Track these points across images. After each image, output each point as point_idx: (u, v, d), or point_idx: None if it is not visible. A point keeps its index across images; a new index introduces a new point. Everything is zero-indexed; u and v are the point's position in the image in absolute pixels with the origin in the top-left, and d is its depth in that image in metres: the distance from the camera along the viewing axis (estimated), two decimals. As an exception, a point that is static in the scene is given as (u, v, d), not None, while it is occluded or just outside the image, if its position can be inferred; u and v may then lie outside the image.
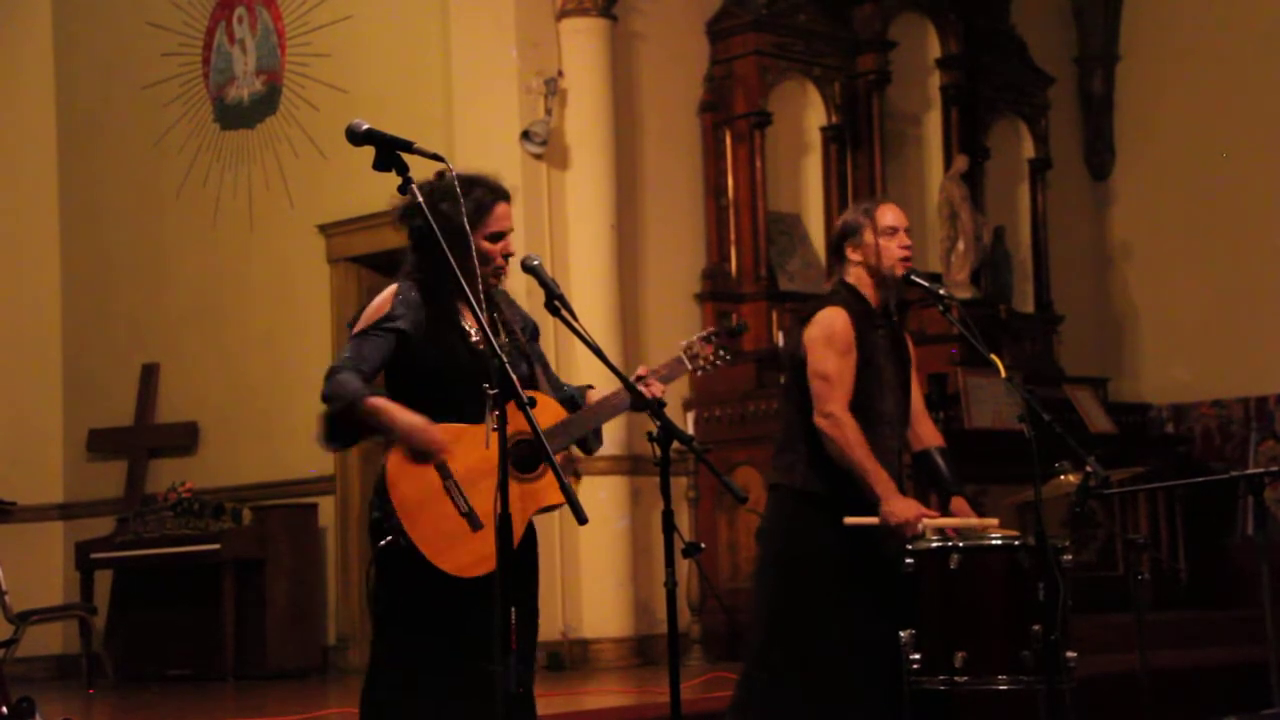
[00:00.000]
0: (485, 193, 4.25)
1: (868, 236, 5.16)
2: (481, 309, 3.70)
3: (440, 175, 4.10)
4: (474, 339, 4.20)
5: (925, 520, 5.00)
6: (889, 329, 5.24)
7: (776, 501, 5.21)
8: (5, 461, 11.08)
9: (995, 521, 5.16)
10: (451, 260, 3.71)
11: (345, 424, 4.11)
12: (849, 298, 5.17)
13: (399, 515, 4.07)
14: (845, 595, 5.03)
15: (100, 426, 11.28)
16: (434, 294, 4.20)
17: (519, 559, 4.15)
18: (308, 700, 8.00)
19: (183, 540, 9.86)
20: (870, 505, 5.02)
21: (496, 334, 4.27)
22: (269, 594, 9.72)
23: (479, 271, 4.08)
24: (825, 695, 4.99)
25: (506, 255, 4.28)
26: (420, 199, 3.74)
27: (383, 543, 4.08)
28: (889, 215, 5.20)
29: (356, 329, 4.19)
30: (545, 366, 4.42)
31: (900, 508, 4.97)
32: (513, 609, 3.55)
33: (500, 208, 4.27)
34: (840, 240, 5.25)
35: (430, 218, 3.76)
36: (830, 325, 5.08)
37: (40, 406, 11.50)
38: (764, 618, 5.18)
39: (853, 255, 5.19)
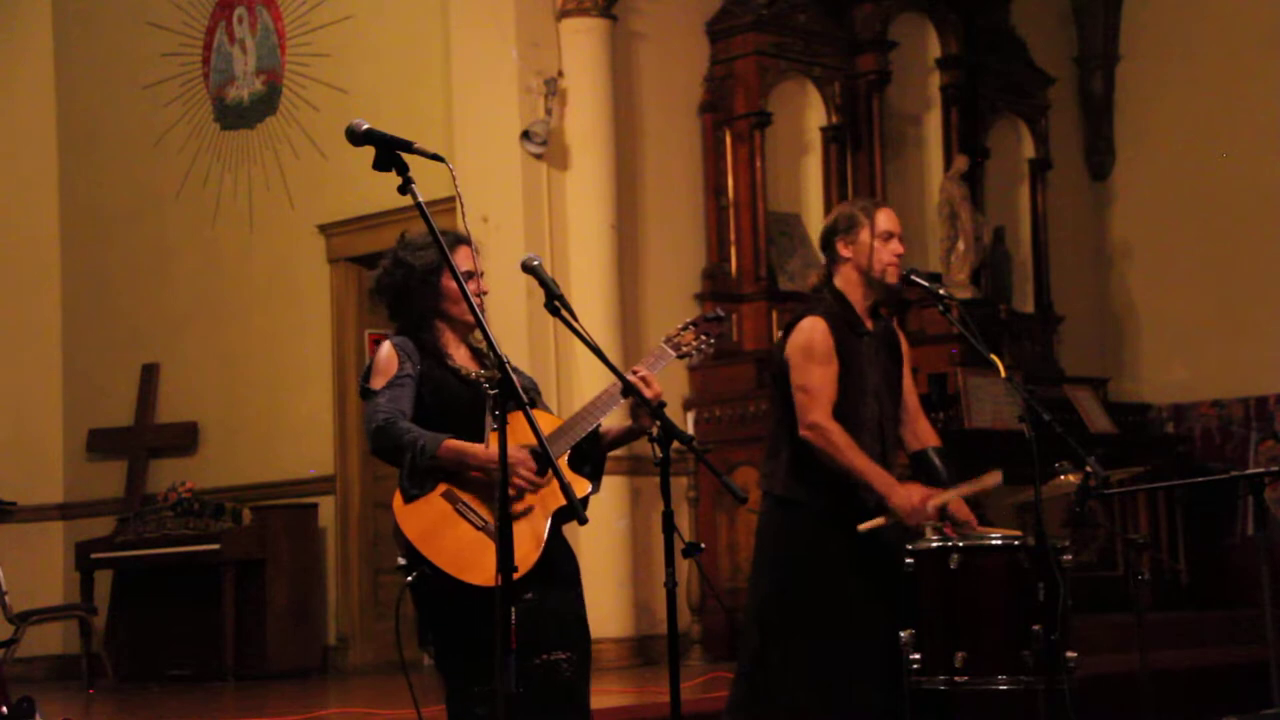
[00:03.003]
0: (449, 238, 4.31)
1: (864, 236, 5.14)
2: (483, 311, 3.73)
3: (402, 235, 4.39)
4: (464, 372, 4.33)
5: (931, 501, 4.98)
6: (878, 330, 5.21)
7: (765, 507, 5.21)
8: (5, 461, 11.07)
9: (998, 476, 5.08)
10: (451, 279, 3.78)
11: (423, 470, 4.19)
12: (831, 303, 5.13)
13: (418, 547, 4.13)
14: (838, 596, 5.02)
15: (100, 426, 11.28)
16: (422, 340, 4.36)
17: (548, 562, 4.20)
18: (308, 700, 8.00)
19: (183, 540, 9.86)
20: (864, 507, 5.01)
21: (486, 368, 4.35)
22: (269, 594, 9.72)
23: (453, 312, 4.36)
24: (824, 695, 4.99)
25: (480, 294, 4.35)
26: (420, 200, 3.74)
27: (409, 578, 4.14)
28: (886, 219, 5.17)
29: (379, 385, 4.30)
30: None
31: (903, 498, 4.96)
32: (513, 610, 3.56)
33: (462, 250, 4.37)
34: (833, 234, 5.20)
35: (430, 224, 3.77)
36: (809, 336, 5.05)
37: (40, 406, 11.51)
38: (758, 620, 5.17)
39: (844, 251, 5.16)
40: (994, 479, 5.06)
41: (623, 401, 4.30)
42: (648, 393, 4.25)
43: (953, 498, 5.08)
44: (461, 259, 4.35)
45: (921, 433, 5.31)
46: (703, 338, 4.51)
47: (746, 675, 5.17)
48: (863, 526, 4.97)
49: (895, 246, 5.15)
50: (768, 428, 5.30)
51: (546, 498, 4.21)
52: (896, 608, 4.99)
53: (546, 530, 4.22)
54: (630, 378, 4.27)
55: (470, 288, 4.32)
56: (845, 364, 5.07)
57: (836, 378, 5.04)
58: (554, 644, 4.20)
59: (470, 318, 4.34)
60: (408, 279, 4.33)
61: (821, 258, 5.34)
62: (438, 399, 4.28)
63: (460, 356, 4.38)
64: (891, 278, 5.15)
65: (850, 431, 5.03)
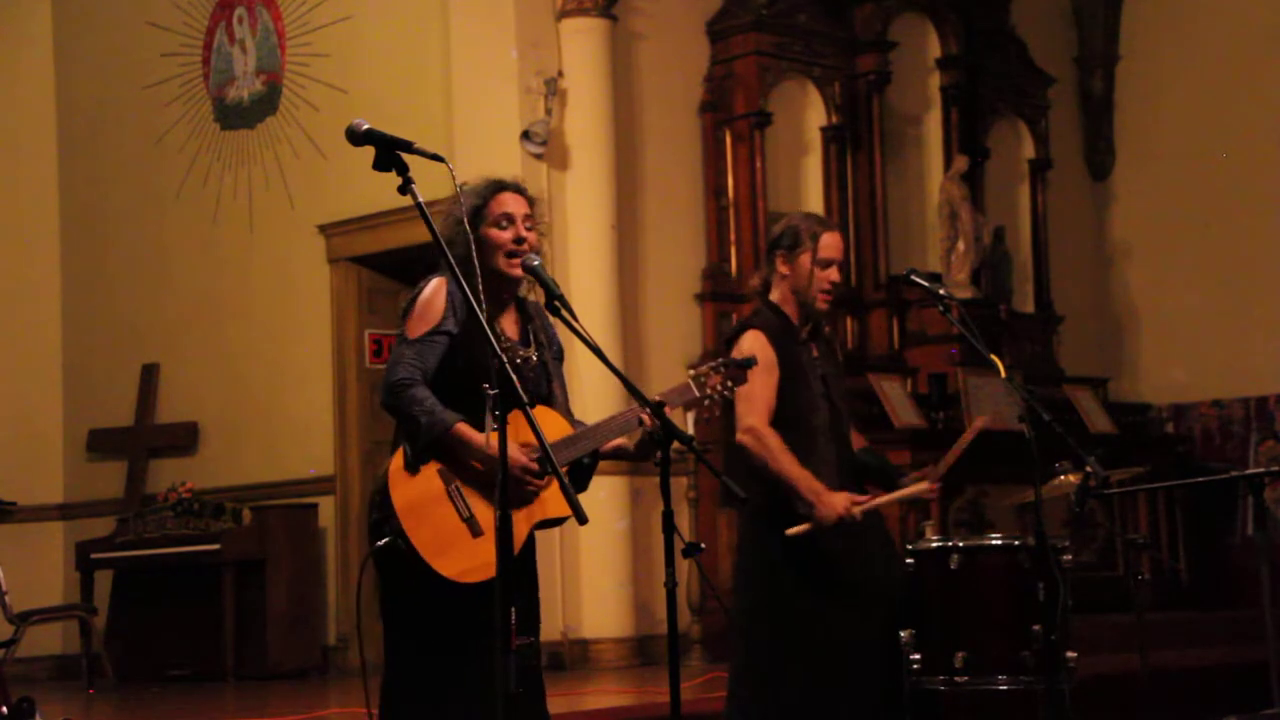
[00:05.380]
0: (489, 186, 4.28)
1: (804, 260, 5.12)
2: (481, 307, 3.69)
3: (459, 187, 4.14)
4: (505, 342, 4.23)
5: (854, 507, 4.95)
6: (817, 342, 5.22)
7: (741, 519, 5.20)
8: (5, 461, 11.07)
9: (925, 485, 5.07)
10: (454, 263, 3.71)
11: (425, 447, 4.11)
12: (770, 317, 5.14)
13: (400, 518, 4.08)
14: (813, 602, 4.99)
15: (100, 426, 11.28)
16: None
17: (516, 566, 4.15)
18: (308, 700, 8.00)
19: (183, 540, 9.87)
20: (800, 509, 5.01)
21: (527, 344, 4.29)
22: (269, 594, 9.72)
23: (490, 263, 4.19)
24: (814, 698, 4.97)
25: (519, 240, 4.27)
26: (419, 200, 3.74)
27: (380, 543, 4.08)
28: (830, 246, 5.14)
29: (416, 333, 4.17)
30: (564, 391, 4.41)
31: (828, 507, 4.93)
32: (513, 610, 3.55)
33: (503, 195, 4.29)
34: (775, 247, 5.20)
35: (430, 224, 3.77)
36: (750, 347, 5.04)
37: (40, 406, 11.50)
38: (743, 630, 5.17)
39: (782, 268, 5.16)
40: (919, 487, 5.08)
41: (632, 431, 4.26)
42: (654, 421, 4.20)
43: (878, 505, 5.07)
44: (503, 201, 4.27)
45: (854, 440, 5.33)
46: (728, 384, 4.42)
47: (735, 683, 5.16)
48: (790, 532, 4.95)
49: (832, 274, 5.14)
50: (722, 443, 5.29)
51: (535, 506, 4.17)
52: (870, 610, 4.99)
53: (525, 538, 4.19)
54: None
55: (507, 235, 4.26)
56: (790, 373, 5.08)
57: (776, 387, 5.04)
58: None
59: (515, 270, 4.25)
60: (452, 233, 4.05)
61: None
62: (470, 360, 4.10)
63: (506, 321, 4.28)
64: (821, 304, 5.15)
65: (806, 437, 5.04)
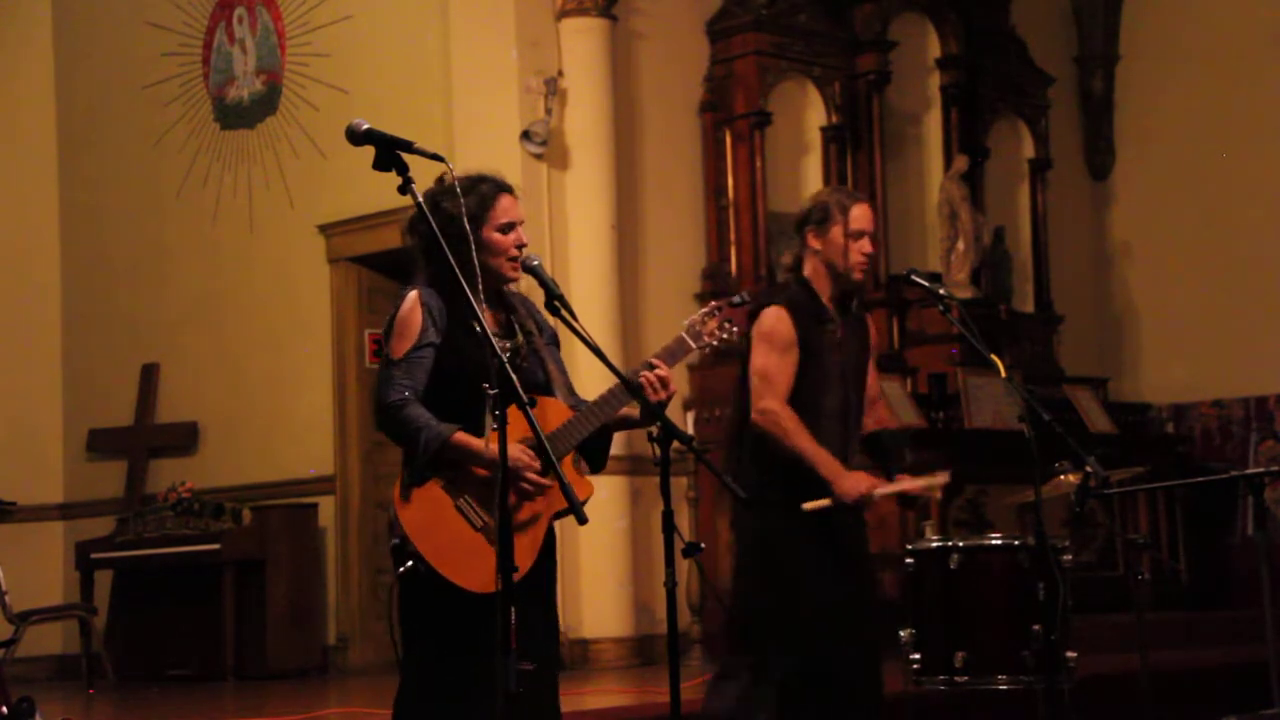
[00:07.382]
0: (489, 187, 4.23)
1: (835, 233, 5.08)
2: (481, 307, 3.68)
3: (441, 178, 4.09)
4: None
5: (876, 490, 4.91)
6: (845, 320, 5.15)
7: (735, 507, 5.16)
8: (5, 461, 11.07)
9: (945, 478, 5.04)
10: (452, 260, 3.69)
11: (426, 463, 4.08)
12: (798, 292, 5.08)
13: (413, 539, 4.04)
14: (814, 603, 4.95)
15: (100, 426, 11.28)
16: (453, 299, 4.11)
17: (536, 564, 4.13)
18: (308, 700, 7.99)
19: (183, 540, 9.87)
20: (818, 488, 4.93)
21: (513, 335, 4.26)
22: (269, 594, 9.71)
23: (493, 265, 4.11)
24: (802, 705, 4.95)
25: (520, 246, 4.23)
26: (420, 200, 3.73)
27: (401, 569, 4.04)
28: (860, 218, 5.10)
29: (400, 351, 4.12)
30: (564, 374, 4.37)
31: (849, 485, 4.88)
32: (513, 610, 3.54)
33: (505, 199, 4.23)
34: (805, 223, 5.15)
35: (432, 220, 3.74)
36: (772, 324, 5.00)
37: (40, 406, 11.50)
38: (741, 625, 5.15)
39: (814, 243, 5.10)
40: (942, 479, 5.03)
41: (632, 401, 4.25)
42: (661, 394, 4.19)
43: (898, 490, 5.02)
44: (506, 207, 4.22)
45: (878, 416, 5.26)
46: (726, 324, 4.40)
47: (718, 679, 5.14)
48: (807, 506, 4.89)
49: (865, 245, 5.09)
50: (729, 421, 5.21)
51: (548, 500, 4.16)
52: (870, 605, 4.97)
53: (544, 536, 4.19)
54: (647, 374, 4.21)
55: (509, 240, 4.21)
56: (809, 352, 5.02)
57: (794, 366, 4.99)
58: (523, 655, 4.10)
59: (515, 275, 4.22)
60: (445, 228, 3.90)
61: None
62: (456, 366, 4.09)
63: (487, 319, 4.14)
64: (857, 275, 5.10)
65: (813, 419, 4.97)
